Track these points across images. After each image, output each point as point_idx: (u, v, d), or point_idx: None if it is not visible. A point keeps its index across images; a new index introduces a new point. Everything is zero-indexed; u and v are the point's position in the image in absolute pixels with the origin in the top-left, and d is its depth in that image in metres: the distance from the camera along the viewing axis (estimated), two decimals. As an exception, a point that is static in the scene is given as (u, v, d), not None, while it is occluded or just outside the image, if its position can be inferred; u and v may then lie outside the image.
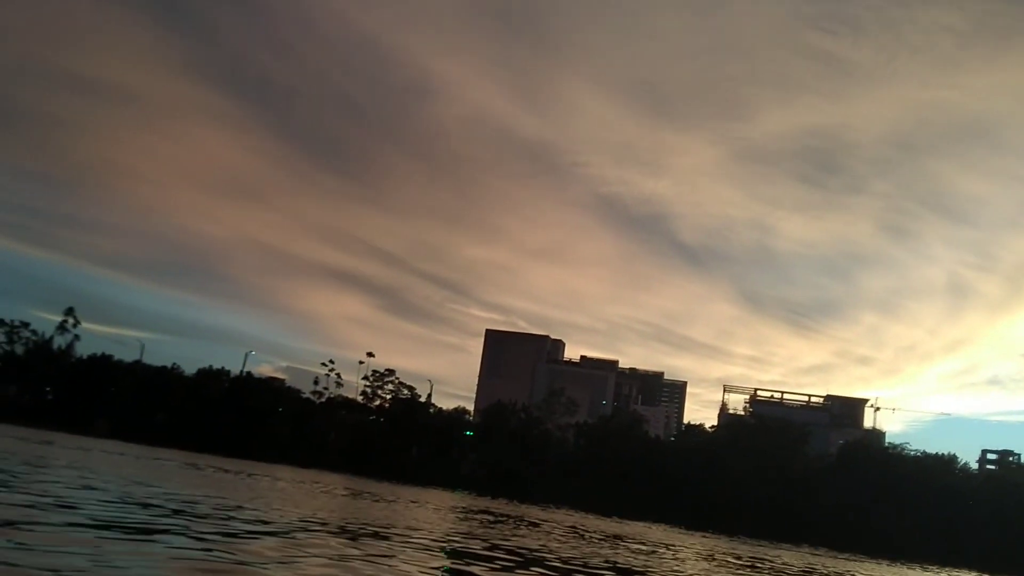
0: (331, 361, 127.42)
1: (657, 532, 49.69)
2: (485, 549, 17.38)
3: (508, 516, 38.01)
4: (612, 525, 48.72)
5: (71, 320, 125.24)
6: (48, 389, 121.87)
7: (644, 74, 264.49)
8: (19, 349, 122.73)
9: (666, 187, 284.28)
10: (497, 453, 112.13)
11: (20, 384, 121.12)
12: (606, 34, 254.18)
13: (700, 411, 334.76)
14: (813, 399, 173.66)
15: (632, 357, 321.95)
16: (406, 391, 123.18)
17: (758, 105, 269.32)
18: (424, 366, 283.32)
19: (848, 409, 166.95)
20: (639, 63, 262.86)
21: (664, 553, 26.90)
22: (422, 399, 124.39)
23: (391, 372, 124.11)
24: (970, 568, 73.99)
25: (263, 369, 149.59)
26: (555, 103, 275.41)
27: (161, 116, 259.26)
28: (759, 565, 28.38)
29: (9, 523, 11.46)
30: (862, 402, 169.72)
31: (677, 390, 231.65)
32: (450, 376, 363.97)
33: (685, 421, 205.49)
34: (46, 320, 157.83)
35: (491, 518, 33.03)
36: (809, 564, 35.59)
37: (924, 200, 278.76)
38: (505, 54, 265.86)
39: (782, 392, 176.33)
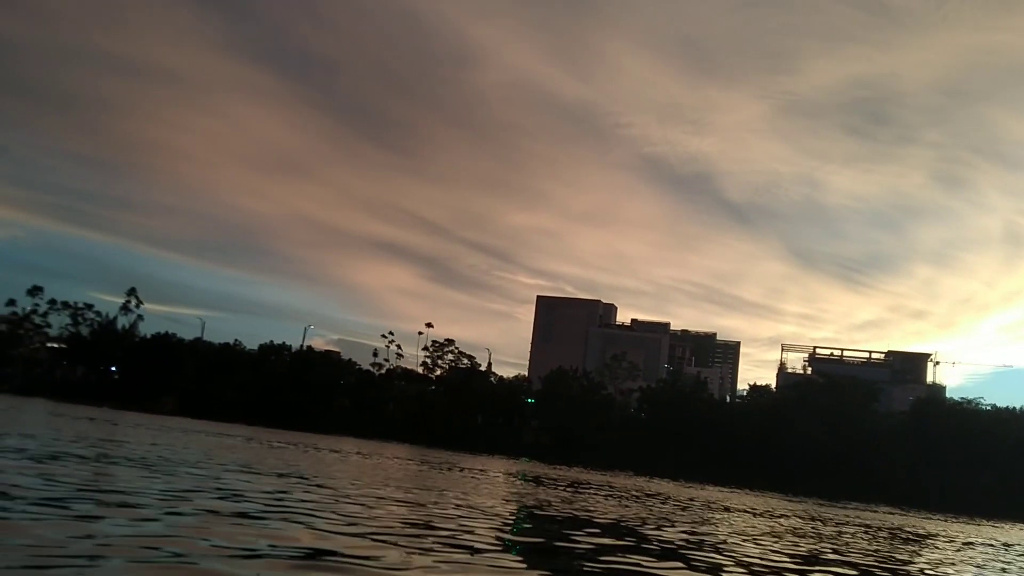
0: (390, 333, 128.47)
1: (760, 500, 48.88)
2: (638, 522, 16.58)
3: (631, 490, 37.36)
4: (697, 491, 48.00)
5: (134, 300, 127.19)
6: (114, 368, 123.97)
7: (686, 30, 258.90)
8: (84, 330, 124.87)
9: (711, 145, 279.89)
10: (560, 419, 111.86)
11: (87, 364, 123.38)
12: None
13: (753, 371, 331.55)
14: (874, 355, 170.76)
15: (682, 319, 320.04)
16: (466, 360, 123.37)
17: (804, 57, 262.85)
18: (473, 334, 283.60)
19: (910, 364, 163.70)
20: (680, 19, 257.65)
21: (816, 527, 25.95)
22: (482, 368, 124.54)
23: (450, 342, 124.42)
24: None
25: (315, 342, 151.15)
26: (596, 64, 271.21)
27: (205, 95, 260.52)
28: (902, 534, 27.32)
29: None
30: (924, 357, 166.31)
31: (730, 351, 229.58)
32: (499, 343, 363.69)
33: (740, 381, 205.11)
34: (103, 301, 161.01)
35: (608, 492, 32.37)
36: (916, 526, 34.46)
37: (978, 148, 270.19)
38: (544, 16, 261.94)
39: (841, 349, 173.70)
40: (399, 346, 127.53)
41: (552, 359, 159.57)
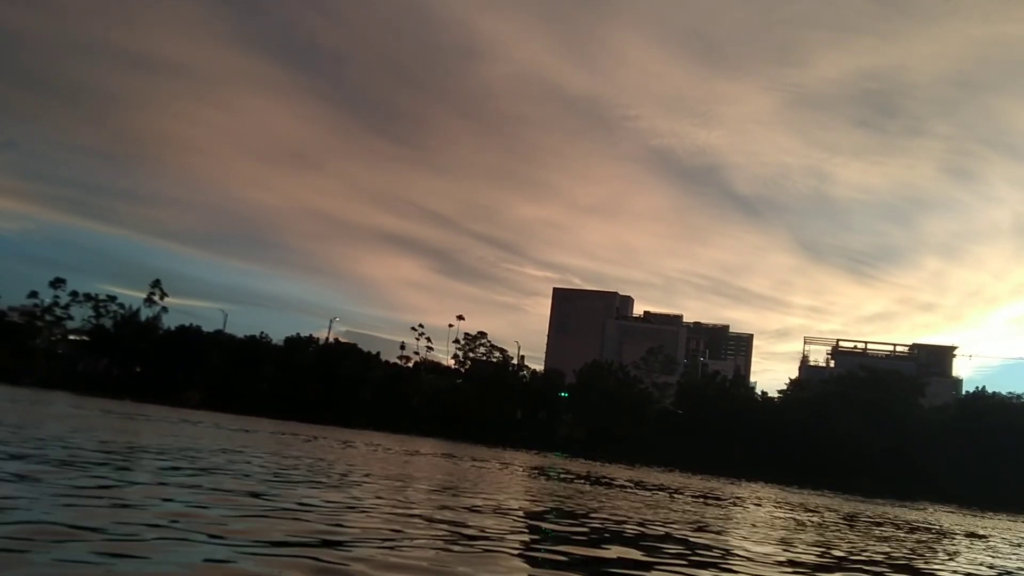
0: (420, 325, 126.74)
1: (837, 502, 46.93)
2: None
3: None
4: (765, 490, 46.08)
5: (158, 292, 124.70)
6: (137, 361, 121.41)
7: (693, 22, 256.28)
8: (107, 323, 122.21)
9: (719, 137, 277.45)
10: (595, 413, 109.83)
11: (111, 357, 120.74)
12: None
13: (763, 363, 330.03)
14: (898, 348, 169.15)
15: (690, 311, 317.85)
16: (497, 354, 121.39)
17: (812, 49, 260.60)
18: (482, 326, 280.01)
19: (935, 358, 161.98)
20: (688, 11, 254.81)
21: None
22: (513, 361, 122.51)
23: (483, 335, 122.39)
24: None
25: (319, 335, 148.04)
26: (603, 56, 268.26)
27: (214, 88, 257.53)
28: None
29: None
30: (949, 350, 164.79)
31: (743, 343, 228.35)
32: (510, 335, 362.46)
33: (751, 374, 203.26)
34: (114, 293, 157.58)
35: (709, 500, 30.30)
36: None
37: (988, 140, 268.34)
38: (551, 8, 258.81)
39: (865, 342, 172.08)
40: (429, 338, 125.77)
41: (569, 351, 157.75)
